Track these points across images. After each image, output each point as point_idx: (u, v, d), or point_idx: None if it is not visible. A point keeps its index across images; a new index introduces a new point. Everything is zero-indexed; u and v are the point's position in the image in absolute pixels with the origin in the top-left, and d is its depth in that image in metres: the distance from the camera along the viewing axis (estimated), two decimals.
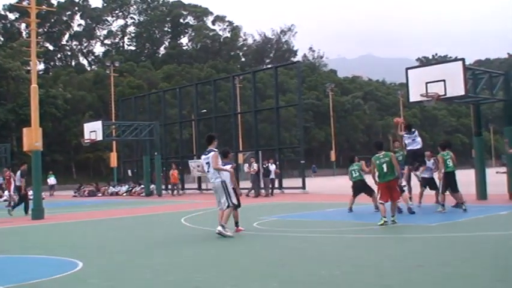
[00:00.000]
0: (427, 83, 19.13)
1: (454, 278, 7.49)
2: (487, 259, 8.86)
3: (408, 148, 17.84)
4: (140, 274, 8.51)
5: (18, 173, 22.40)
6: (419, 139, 18.14)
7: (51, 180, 45.85)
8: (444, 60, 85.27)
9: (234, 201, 12.50)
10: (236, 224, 13.07)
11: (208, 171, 12.63)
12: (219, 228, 12.19)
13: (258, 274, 8.17)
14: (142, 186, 38.65)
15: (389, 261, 8.95)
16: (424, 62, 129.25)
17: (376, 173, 14.10)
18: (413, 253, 9.70)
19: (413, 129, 18.26)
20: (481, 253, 9.46)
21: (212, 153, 12.40)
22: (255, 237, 12.65)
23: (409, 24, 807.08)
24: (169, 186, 37.57)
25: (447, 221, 14.34)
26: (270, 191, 30.71)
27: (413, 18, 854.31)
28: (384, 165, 13.66)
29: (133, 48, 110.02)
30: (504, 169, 25.13)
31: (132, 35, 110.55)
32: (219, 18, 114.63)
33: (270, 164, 30.81)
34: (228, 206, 12.26)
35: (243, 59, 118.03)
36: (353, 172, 17.26)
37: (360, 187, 17.14)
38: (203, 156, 12.75)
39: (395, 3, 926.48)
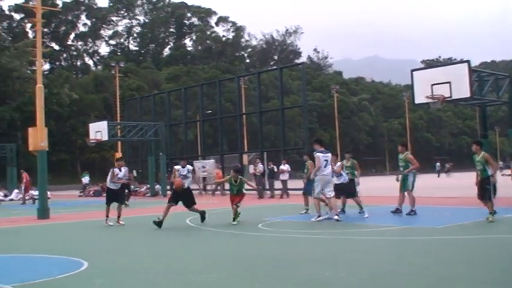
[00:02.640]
0: (432, 84, 19.12)
1: (462, 280, 7.47)
2: (495, 262, 8.84)
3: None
4: (145, 274, 8.52)
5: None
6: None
7: (85, 179, 45.74)
8: (449, 62, 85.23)
9: None
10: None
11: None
12: None
13: (263, 275, 8.17)
14: (147, 186, 38.66)
15: (394, 263, 8.94)
16: (430, 64, 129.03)
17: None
18: (419, 255, 9.68)
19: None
20: (488, 256, 9.45)
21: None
22: (259, 238, 12.66)
23: (415, 26, 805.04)
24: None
25: (452, 223, 14.30)
26: (284, 192, 29.80)
27: (419, 20, 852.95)
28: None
29: (137, 48, 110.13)
30: (509, 171, 25.07)
31: (136, 35, 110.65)
32: (223, 19, 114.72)
33: (282, 165, 29.97)
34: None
35: (247, 60, 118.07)
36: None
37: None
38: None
39: (401, 5, 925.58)
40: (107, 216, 16.35)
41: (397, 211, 16.35)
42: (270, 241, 12.20)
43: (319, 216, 15.67)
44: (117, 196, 16.87)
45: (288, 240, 12.20)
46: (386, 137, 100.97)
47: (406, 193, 16.42)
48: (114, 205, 16.56)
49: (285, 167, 29.59)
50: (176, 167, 16.43)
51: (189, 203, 15.93)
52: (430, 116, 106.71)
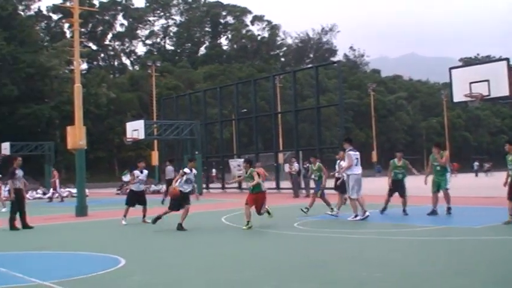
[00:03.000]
0: (470, 83, 18.86)
1: (500, 282, 7.38)
2: None
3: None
4: (182, 271, 8.59)
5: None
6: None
7: (126, 177, 46.08)
8: (488, 60, 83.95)
9: None
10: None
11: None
12: None
13: (299, 274, 8.17)
14: None
15: (431, 264, 8.86)
16: (467, 62, 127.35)
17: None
18: (457, 256, 9.57)
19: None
20: None
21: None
22: (295, 238, 12.66)
23: (452, 23, 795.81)
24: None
25: (489, 223, 14.08)
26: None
27: (457, 17, 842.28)
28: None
29: (173, 48, 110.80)
30: None
31: (172, 35, 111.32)
32: (258, 18, 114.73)
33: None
34: None
35: (282, 59, 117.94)
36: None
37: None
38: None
39: (439, 2, 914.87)
40: (125, 215, 16.50)
41: (433, 213, 16.13)
42: (306, 240, 12.19)
43: (359, 215, 15.58)
44: (139, 197, 16.90)
45: (324, 239, 12.18)
46: (425, 136, 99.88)
47: (442, 192, 16.22)
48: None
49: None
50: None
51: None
52: (468, 115, 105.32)
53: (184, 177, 15.08)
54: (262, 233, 13.56)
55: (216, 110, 50.42)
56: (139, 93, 78.27)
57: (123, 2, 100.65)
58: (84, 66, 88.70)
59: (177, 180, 15.27)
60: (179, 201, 14.92)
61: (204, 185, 38.70)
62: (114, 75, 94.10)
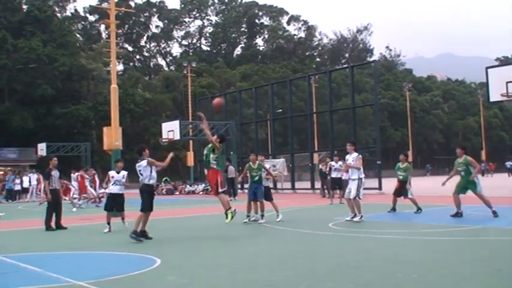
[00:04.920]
0: (507, 82, 18.63)
1: None
2: None
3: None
4: (216, 272, 8.60)
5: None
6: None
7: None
8: None
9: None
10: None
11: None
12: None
13: (333, 275, 8.13)
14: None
15: (467, 264, 8.74)
16: (504, 61, 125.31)
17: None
18: (491, 256, 9.43)
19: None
20: None
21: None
22: (330, 238, 12.60)
23: (489, 22, 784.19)
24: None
25: None
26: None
27: (493, 16, 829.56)
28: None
29: (209, 48, 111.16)
30: None
31: (208, 35, 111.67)
32: (294, 18, 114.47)
33: (335, 162, 28.38)
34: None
35: (318, 59, 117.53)
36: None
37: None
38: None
39: (475, 2, 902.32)
40: (108, 222, 15.06)
41: (457, 215, 15.71)
42: (341, 240, 12.13)
43: (357, 216, 15.56)
44: (117, 201, 15.26)
45: (358, 239, 12.10)
46: (461, 136, 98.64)
47: (478, 196, 15.72)
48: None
49: (337, 164, 27.53)
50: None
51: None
52: (505, 114, 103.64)
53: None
54: (298, 233, 13.53)
55: (251, 110, 50.49)
56: (174, 94, 78.71)
57: (157, 3, 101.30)
58: (120, 67, 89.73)
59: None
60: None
61: (239, 186, 38.69)
62: (150, 77, 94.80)
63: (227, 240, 12.69)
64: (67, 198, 23.75)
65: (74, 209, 23.41)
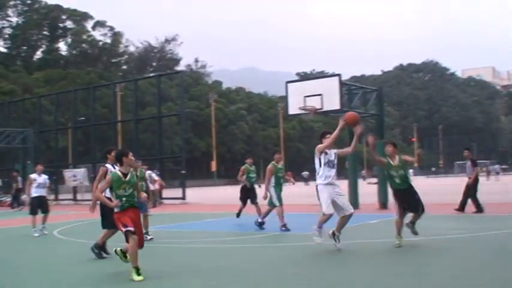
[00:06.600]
0: (305, 96, 19.70)
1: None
2: (361, 266, 9.15)
3: None
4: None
5: None
6: None
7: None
8: (322, 75, 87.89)
9: None
10: None
11: None
12: None
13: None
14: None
15: (267, 269, 9.03)
16: (304, 76, 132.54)
17: None
18: (288, 261, 9.81)
19: None
20: (351, 261, 9.78)
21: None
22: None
23: (291, 38, 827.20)
24: None
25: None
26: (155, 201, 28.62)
27: (296, 33, 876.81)
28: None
29: (6, 51, 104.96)
30: (375, 180, 26.27)
31: (7, 37, 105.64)
32: (100, 24, 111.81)
33: (153, 174, 28.56)
34: None
35: (124, 67, 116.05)
36: None
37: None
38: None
39: (283, 16, 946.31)
40: (34, 226, 15.15)
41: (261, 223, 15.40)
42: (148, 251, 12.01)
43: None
44: (41, 204, 15.30)
45: (165, 250, 12.06)
46: (262, 146, 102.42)
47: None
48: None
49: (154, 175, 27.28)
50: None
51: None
52: (303, 126, 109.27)
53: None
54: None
55: (52, 117, 48.58)
56: None
57: None
58: None
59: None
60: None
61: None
62: None
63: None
64: None
65: None
